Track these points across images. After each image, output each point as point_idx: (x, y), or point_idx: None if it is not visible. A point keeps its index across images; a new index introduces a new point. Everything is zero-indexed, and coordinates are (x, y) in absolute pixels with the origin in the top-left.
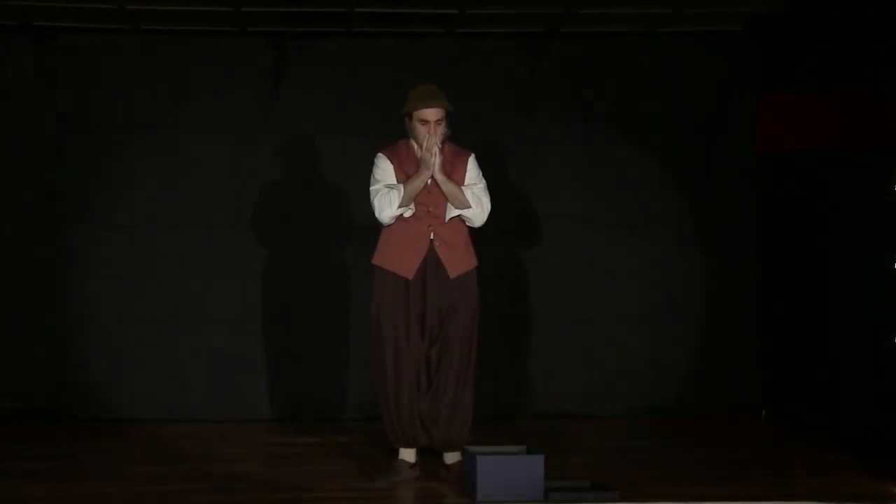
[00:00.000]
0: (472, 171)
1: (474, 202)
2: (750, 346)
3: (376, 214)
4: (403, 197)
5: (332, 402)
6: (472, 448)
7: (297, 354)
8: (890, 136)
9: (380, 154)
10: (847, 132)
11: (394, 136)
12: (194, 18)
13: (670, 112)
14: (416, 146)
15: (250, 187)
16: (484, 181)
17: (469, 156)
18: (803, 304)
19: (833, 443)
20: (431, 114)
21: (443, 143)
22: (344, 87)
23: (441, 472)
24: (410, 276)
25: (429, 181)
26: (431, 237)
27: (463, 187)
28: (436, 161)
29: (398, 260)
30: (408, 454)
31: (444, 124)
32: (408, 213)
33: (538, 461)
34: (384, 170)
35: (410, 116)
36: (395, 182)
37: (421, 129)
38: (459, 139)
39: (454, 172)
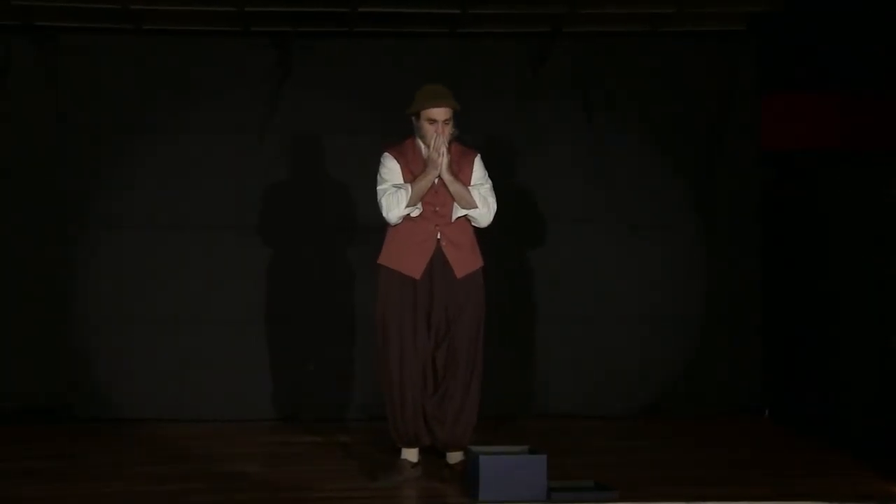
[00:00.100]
0: (479, 171)
1: (481, 202)
2: (753, 345)
3: (384, 214)
4: (411, 197)
5: (334, 402)
6: (474, 448)
7: (299, 354)
8: (893, 136)
9: (386, 153)
10: (849, 132)
11: (396, 135)
12: (196, 18)
13: (673, 112)
14: (422, 146)
15: (252, 187)
16: (490, 181)
17: (475, 156)
18: (806, 304)
19: (836, 443)
20: (439, 113)
21: (450, 142)
22: (346, 86)
23: (444, 472)
24: (418, 275)
25: (436, 181)
26: (438, 237)
27: (469, 187)
28: (443, 161)
29: (405, 260)
30: (410, 453)
31: (451, 124)
32: (415, 213)
33: (540, 461)
34: (391, 169)
35: (418, 116)
36: (402, 182)
37: (429, 129)
38: (461, 139)
39: (460, 172)
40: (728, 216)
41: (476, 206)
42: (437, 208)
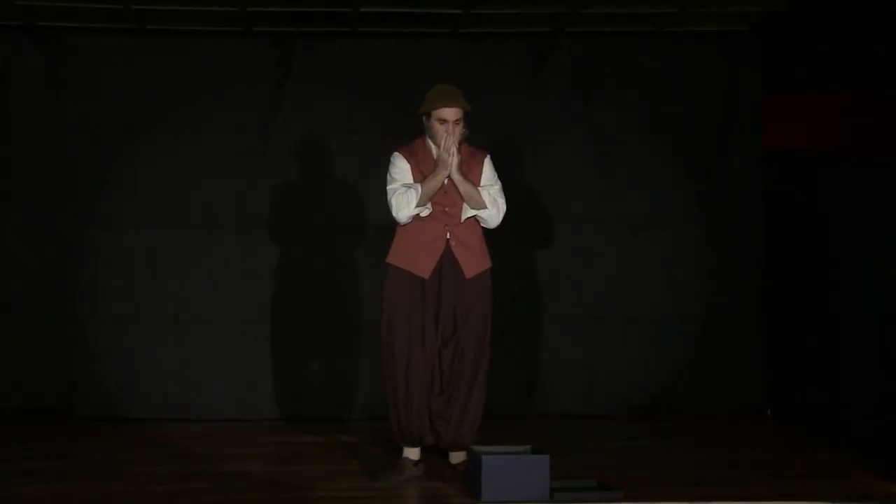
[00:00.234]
0: (488, 171)
1: (490, 203)
2: (754, 345)
3: (393, 214)
4: (421, 196)
5: (336, 402)
6: (477, 448)
7: (301, 354)
8: (894, 136)
9: (396, 153)
10: (851, 132)
11: (397, 135)
12: (199, 18)
13: (674, 112)
14: (433, 146)
15: (256, 187)
16: (500, 182)
17: (485, 156)
18: (807, 304)
19: (837, 442)
20: (450, 113)
21: (460, 143)
22: (348, 86)
23: (446, 472)
24: (427, 275)
25: (446, 181)
26: (448, 237)
27: (479, 188)
28: (453, 161)
29: (414, 259)
30: (412, 452)
31: (462, 124)
32: (424, 213)
33: (543, 461)
34: (401, 169)
35: (429, 116)
36: (411, 181)
37: (439, 129)
38: (471, 140)
39: (470, 173)
40: (730, 216)
41: (486, 207)
42: (447, 208)
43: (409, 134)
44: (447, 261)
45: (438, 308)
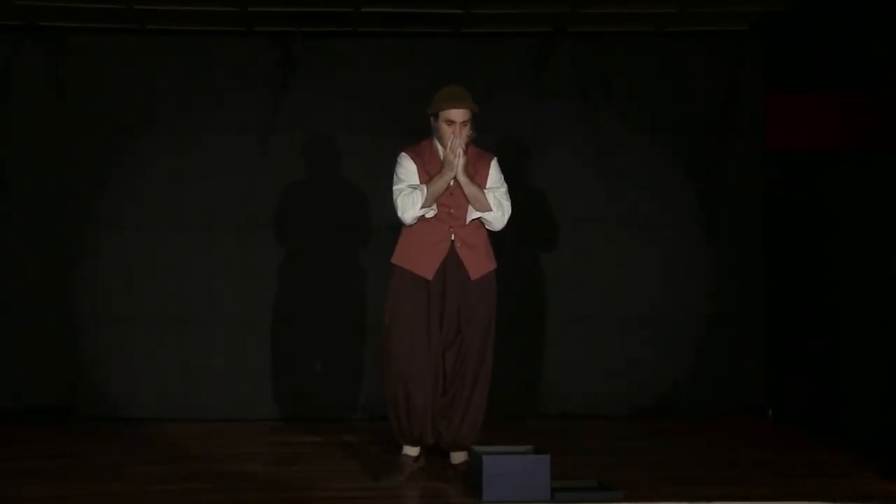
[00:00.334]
0: (495, 174)
1: (495, 206)
2: (756, 345)
3: (399, 214)
4: (426, 198)
5: (338, 402)
6: (478, 448)
7: (302, 354)
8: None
9: (403, 153)
10: (852, 132)
11: (398, 134)
12: (200, 18)
13: (677, 112)
14: (439, 147)
15: (257, 187)
16: (506, 185)
17: (492, 159)
18: (810, 304)
19: (837, 442)
20: (458, 114)
21: (467, 145)
22: (349, 86)
23: (447, 472)
24: (430, 276)
25: (451, 182)
26: (452, 238)
27: (485, 190)
28: (459, 162)
29: (418, 260)
30: (412, 449)
31: (469, 126)
32: (430, 214)
33: (544, 461)
34: (408, 169)
35: (436, 116)
36: (417, 182)
37: (446, 130)
38: (479, 142)
39: (476, 175)
40: (730, 216)
41: (490, 210)
42: (452, 210)
43: (409, 133)
44: (451, 262)
45: (442, 309)
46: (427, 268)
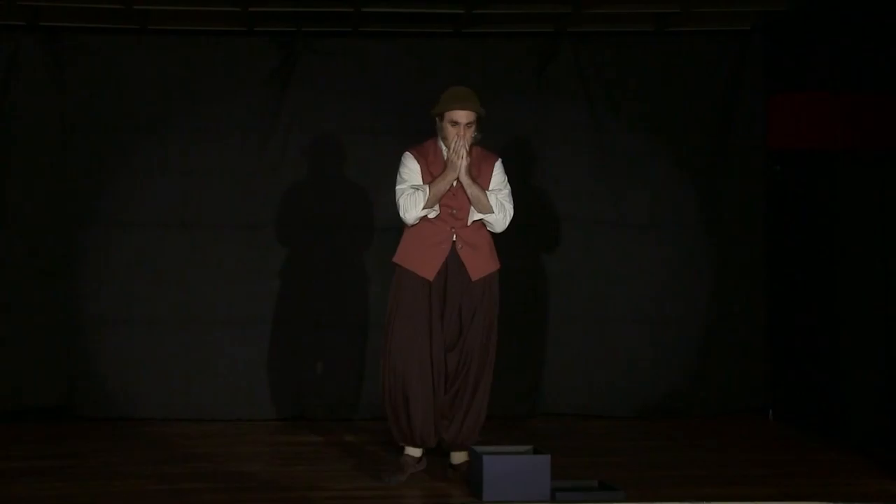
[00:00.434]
0: (498, 175)
1: (497, 207)
2: (757, 345)
3: (401, 214)
4: (428, 198)
5: (340, 402)
6: (478, 448)
7: (304, 354)
8: None
9: (407, 153)
10: (856, 131)
11: (400, 134)
12: (202, 18)
13: (679, 112)
14: (443, 147)
15: (258, 187)
16: (509, 187)
17: (496, 160)
18: (812, 303)
19: (839, 442)
20: (463, 116)
21: (472, 146)
22: (352, 86)
23: (448, 472)
24: (431, 276)
25: (454, 183)
26: (454, 239)
27: (487, 192)
28: (462, 164)
29: (420, 260)
30: (414, 450)
31: (474, 128)
32: (432, 215)
33: (545, 461)
34: (411, 170)
35: (441, 116)
36: (421, 182)
37: (451, 131)
38: (483, 143)
39: (480, 176)
40: (736, 215)
41: (492, 211)
42: (454, 211)
43: (409, 133)
44: (453, 263)
45: (443, 309)
46: (428, 268)
